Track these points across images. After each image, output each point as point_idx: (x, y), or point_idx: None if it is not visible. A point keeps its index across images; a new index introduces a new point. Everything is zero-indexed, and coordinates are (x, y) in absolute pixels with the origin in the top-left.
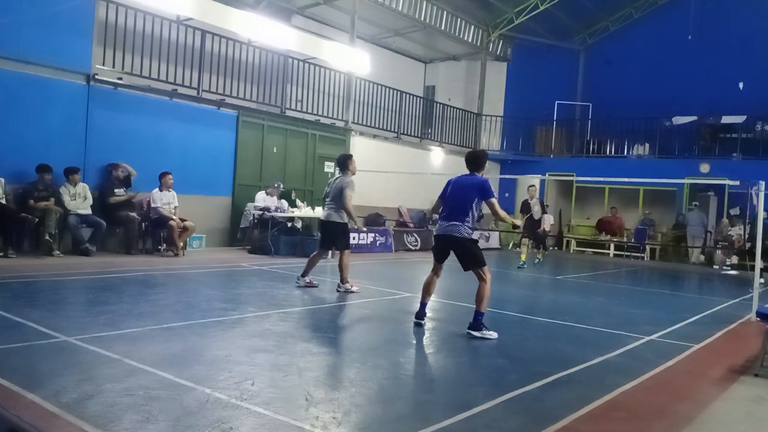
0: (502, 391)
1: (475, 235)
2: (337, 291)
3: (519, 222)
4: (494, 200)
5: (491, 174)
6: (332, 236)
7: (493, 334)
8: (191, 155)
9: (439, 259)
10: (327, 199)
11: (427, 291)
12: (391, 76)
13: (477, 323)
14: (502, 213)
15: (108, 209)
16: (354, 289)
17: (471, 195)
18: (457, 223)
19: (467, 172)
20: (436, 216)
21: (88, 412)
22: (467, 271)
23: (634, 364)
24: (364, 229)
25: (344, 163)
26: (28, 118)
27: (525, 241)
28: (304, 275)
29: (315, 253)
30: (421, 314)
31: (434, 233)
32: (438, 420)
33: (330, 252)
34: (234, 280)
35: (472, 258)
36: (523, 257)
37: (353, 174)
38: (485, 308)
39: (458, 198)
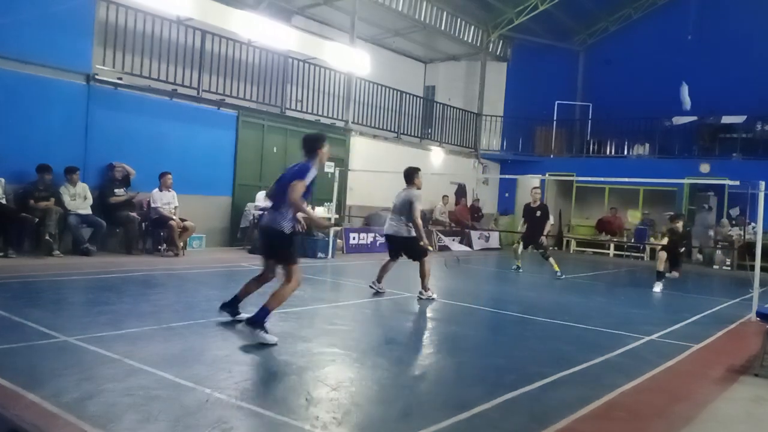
0: (502, 391)
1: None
2: (419, 299)
3: (324, 222)
4: (297, 183)
5: (491, 174)
6: (404, 249)
7: (272, 339)
8: (191, 155)
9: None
10: (392, 213)
11: (247, 290)
12: (391, 76)
13: (259, 318)
14: (295, 197)
15: (108, 209)
16: (434, 296)
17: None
18: (277, 213)
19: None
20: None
21: (88, 412)
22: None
23: (634, 364)
24: (430, 248)
25: (410, 176)
26: (28, 118)
27: (519, 247)
28: (379, 281)
29: (387, 261)
30: (230, 305)
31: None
32: (438, 420)
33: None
34: (234, 280)
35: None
36: (518, 263)
37: (419, 188)
38: (275, 309)
39: (281, 185)
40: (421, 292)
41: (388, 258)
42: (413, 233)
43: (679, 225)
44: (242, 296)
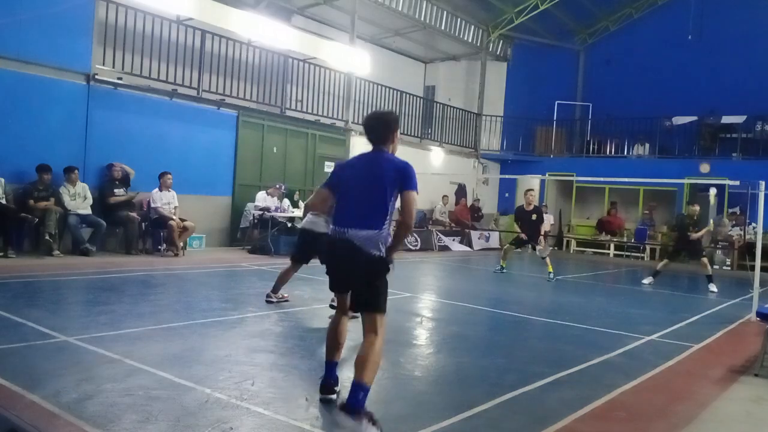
0: (502, 391)
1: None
2: (267, 301)
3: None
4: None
5: (491, 174)
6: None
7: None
8: (191, 155)
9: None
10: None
11: (336, 345)
12: (391, 76)
13: (357, 400)
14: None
15: (108, 209)
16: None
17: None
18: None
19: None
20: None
21: (88, 412)
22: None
23: (634, 364)
24: None
25: None
26: (28, 118)
27: (510, 247)
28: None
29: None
30: (329, 381)
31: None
32: (438, 420)
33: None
34: (234, 280)
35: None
36: (503, 263)
37: None
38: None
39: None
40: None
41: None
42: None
43: (696, 209)
44: (338, 356)
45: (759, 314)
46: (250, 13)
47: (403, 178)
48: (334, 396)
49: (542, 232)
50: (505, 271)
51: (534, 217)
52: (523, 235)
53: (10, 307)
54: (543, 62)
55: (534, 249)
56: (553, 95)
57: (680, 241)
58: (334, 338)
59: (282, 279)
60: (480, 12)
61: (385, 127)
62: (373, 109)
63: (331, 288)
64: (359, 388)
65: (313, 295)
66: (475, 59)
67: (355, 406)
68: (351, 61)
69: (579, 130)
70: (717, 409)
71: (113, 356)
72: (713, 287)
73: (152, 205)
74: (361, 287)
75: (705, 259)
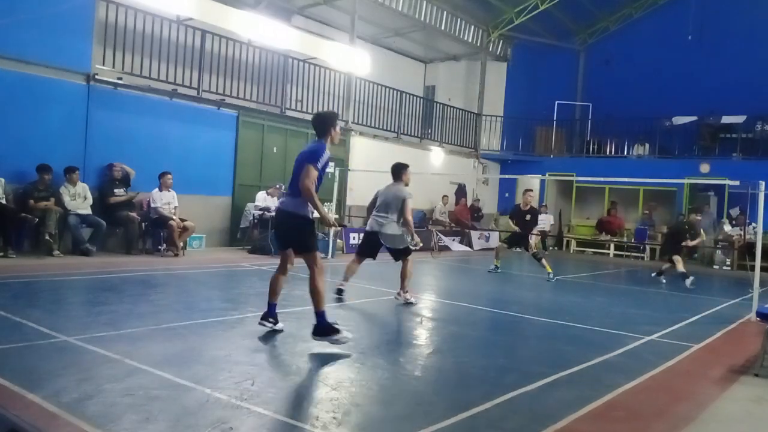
0: (502, 391)
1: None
2: (396, 299)
3: (332, 220)
4: (309, 167)
5: (491, 174)
6: (390, 248)
7: (347, 335)
8: (191, 155)
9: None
10: (378, 210)
11: (274, 291)
12: (391, 76)
13: (323, 325)
14: (307, 183)
15: (108, 209)
16: (412, 299)
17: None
18: (296, 198)
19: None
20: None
21: (88, 412)
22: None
23: (634, 364)
24: (417, 246)
25: (398, 172)
26: (28, 118)
27: (502, 246)
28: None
29: (353, 259)
30: (269, 314)
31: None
32: (438, 420)
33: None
34: (234, 280)
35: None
36: (497, 262)
37: (407, 184)
38: (324, 304)
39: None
40: (398, 293)
41: (355, 257)
42: (400, 231)
43: (697, 218)
44: (276, 299)
45: (759, 314)
46: (250, 13)
47: (307, 155)
48: (268, 324)
49: (532, 235)
50: (499, 270)
51: (528, 217)
52: (517, 229)
53: (10, 307)
54: (543, 62)
55: (527, 250)
56: (553, 95)
57: (670, 243)
58: (274, 286)
59: (350, 270)
60: (480, 12)
61: (321, 123)
62: (374, 110)
63: (278, 247)
64: (318, 315)
65: None
66: (475, 59)
67: (321, 325)
68: (351, 61)
69: (579, 130)
70: (717, 409)
71: (113, 356)
72: (662, 279)
73: (152, 205)
74: (292, 238)
75: (677, 257)
